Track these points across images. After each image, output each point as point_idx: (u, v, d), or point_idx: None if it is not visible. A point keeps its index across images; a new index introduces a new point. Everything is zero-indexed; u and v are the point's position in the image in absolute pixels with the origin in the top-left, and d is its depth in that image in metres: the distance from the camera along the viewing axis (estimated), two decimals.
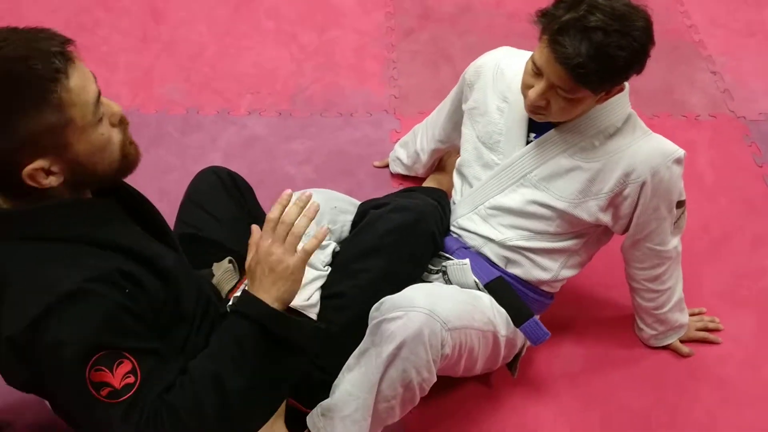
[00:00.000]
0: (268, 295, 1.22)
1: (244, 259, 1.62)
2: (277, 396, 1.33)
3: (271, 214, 1.24)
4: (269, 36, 2.67)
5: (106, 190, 1.25)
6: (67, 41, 1.07)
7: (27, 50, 1.03)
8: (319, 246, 1.25)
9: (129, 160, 1.18)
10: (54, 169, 1.08)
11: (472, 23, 2.73)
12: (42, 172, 1.08)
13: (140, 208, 1.31)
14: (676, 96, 2.46)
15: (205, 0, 2.80)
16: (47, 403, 1.30)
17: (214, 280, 1.58)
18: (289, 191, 1.27)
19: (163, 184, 2.11)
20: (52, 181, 1.09)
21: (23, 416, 1.66)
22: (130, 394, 1.10)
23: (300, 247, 1.24)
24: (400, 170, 2.14)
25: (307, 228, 1.25)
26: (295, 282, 1.24)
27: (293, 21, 2.73)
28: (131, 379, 1.10)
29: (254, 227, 1.31)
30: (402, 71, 2.54)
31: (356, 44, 2.64)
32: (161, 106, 2.39)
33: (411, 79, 2.51)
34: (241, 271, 1.62)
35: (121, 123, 1.16)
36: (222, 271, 1.59)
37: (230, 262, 1.61)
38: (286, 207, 1.25)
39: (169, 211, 1.37)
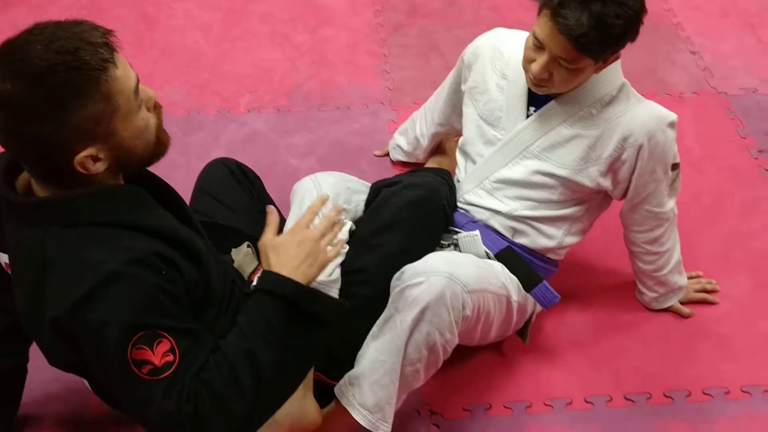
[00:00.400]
0: (298, 273, 1.26)
1: None
2: (305, 367, 1.37)
3: (313, 208, 1.35)
4: (264, 38, 2.74)
5: (136, 178, 1.30)
6: (109, 32, 1.12)
7: (76, 43, 1.07)
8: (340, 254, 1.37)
9: (162, 143, 1.24)
10: (101, 155, 1.13)
11: (459, 17, 2.82)
12: (91, 160, 1.12)
13: (167, 196, 1.37)
14: (660, 76, 2.56)
15: (197, 8, 2.87)
16: (86, 382, 1.35)
17: (235, 264, 1.63)
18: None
19: (170, 181, 2.14)
20: (99, 167, 1.14)
21: (50, 409, 1.70)
22: (171, 371, 1.13)
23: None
24: (401, 157, 2.21)
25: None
26: (320, 271, 1.31)
27: (286, 23, 2.80)
28: (170, 357, 1.14)
29: (270, 207, 1.39)
30: (394, 64, 2.62)
31: (348, 41, 2.72)
32: (163, 108, 2.43)
33: (404, 72, 2.58)
34: (259, 254, 1.68)
35: (156, 108, 1.22)
36: (242, 256, 1.65)
37: (248, 246, 1.66)
38: (321, 208, 1.37)
39: None
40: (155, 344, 1.13)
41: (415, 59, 2.64)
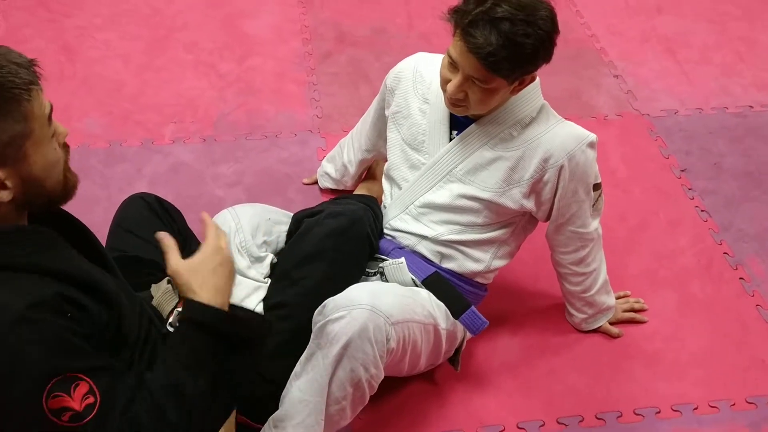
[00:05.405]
0: (213, 294, 1.22)
1: None
2: (234, 392, 1.31)
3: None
4: (188, 67, 2.69)
5: (45, 217, 1.24)
6: (32, 61, 1.11)
7: (2, 62, 1.06)
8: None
9: (69, 184, 1.20)
10: (8, 183, 1.10)
11: (387, 44, 2.82)
12: None
13: (79, 235, 1.31)
14: (584, 99, 2.60)
15: (118, 38, 2.80)
16: None
17: (154, 302, 1.56)
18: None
19: (89, 217, 2.04)
20: (3, 195, 1.10)
21: None
22: (94, 413, 1.09)
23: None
24: (330, 185, 2.18)
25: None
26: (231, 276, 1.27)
27: (211, 52, 2.76)
28: (91, 399, 1.09)
29: (161, 233, 1.33)
30: (323, 92, 2.60)
31: (275, 70, 2.69)
32: (82, 140, 2.36)
33: (332, 99, 2.56)
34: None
35: (64, 146, 1.19)
36: (161, 292, 1.58)
37: (169, 282, 1.59)
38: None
39: None
40: (72, 388, 1.08)
41: (344, 87, 2.62)
